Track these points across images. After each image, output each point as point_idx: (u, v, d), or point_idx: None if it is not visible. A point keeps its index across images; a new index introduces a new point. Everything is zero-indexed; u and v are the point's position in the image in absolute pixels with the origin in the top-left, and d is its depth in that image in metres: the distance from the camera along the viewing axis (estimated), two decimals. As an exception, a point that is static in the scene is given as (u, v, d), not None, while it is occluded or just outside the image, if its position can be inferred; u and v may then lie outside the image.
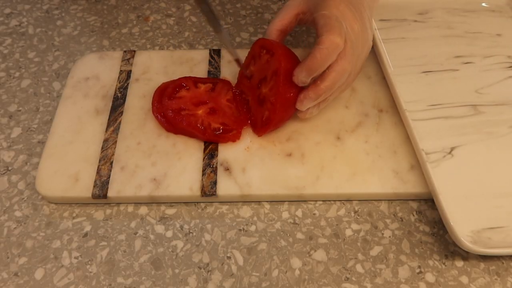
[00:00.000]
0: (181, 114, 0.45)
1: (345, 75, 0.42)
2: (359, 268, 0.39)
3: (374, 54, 0.52)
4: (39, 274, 0.39)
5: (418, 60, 0.51)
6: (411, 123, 0.44)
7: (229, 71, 0.51)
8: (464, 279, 0.39)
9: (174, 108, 0.45)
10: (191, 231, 0.41)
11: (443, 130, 0.44)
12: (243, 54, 0.52)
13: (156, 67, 0.51)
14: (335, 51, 0.40)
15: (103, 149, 0.45)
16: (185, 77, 0.48)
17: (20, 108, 0.50)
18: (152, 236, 0.41)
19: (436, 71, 0.50)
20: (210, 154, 0.44)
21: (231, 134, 0.44)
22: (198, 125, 0.44)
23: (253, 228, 0.41)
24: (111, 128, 0.46)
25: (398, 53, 0.51)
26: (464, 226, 0.38)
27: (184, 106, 0.45)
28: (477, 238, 0.38)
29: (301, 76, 0.41)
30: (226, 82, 0.48)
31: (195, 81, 0.47)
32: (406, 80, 0.48)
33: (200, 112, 0.45)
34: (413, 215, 0.42)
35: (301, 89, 0.43)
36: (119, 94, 0.49)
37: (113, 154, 0.44)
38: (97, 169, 0.43)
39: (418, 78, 0.49)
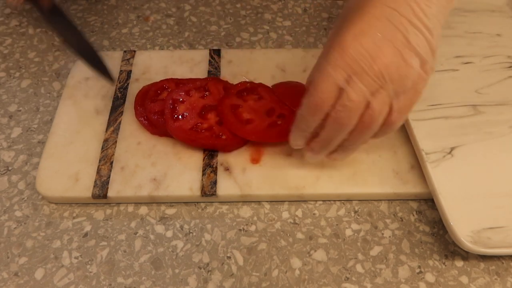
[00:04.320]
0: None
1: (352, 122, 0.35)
2: (359, 268, 0.39)
3: None
4: (39, 274, 0.39)
5: None
6: (411, 123, 0.44)
7: (229, 71, 0.51)
8: (464, 279, 0.39)
9: (157, 110, 0.45)
10: (191, 231, 0.41)
11: (443, 130, 0.44)
12: (242, 54, 0.53)
13: (156, 67, 0.51)
14: (328, 102, 0.34)
15: (103, 149, 0.45)
16: (167, 79, 0.48)
17: (20, 108, 0.50)
18: (152, 236, 0.41)
19: (436, 71, 0.50)
20: (210, 154, 0.44)
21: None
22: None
23: (253, 228, 0.41)
24: (111, 128, 0.46)
25: None
26: (464, 226, 0.38)
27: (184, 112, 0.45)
28: (477, 238, 0.38)
29: (295, 143, 0.39)
30: (214, 81, 0.47)
31: (177, 82, 0.47)
32: None
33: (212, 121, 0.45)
34: (413, 215, 0.42)
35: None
36: (119, 94, 0.49)
37: (113, 154, 0.44)
38: (97, 169, 0.43)
39: None
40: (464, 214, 0.39)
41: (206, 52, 0.53)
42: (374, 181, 0.43)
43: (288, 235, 0.41)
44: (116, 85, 0.50)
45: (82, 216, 0.42)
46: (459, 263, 0.39)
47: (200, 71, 0.51)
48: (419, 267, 0.39)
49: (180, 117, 0.44)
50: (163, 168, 0.43)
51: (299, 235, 0.41)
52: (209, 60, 0.52)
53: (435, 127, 0.45)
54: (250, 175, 0.43)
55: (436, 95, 0.47)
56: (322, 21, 0.59)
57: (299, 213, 0.42)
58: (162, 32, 0.57)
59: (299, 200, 0.43)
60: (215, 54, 0.52)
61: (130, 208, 0.43)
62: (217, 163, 0.44)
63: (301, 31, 0.58)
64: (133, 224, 0.42)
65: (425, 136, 0.43)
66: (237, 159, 0.44)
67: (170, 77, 0.49)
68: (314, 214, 0.42)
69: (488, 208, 0.40)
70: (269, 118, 0.44)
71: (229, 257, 0.40)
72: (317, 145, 0.38)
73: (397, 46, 0.33)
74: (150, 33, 0.57)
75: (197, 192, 0.42)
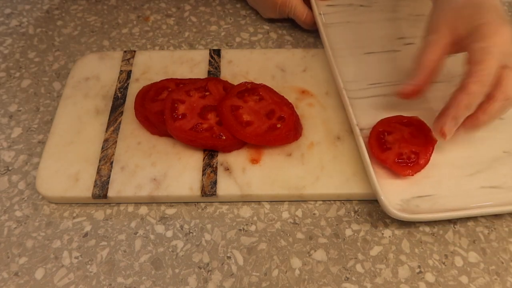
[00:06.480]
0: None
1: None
2: (359, 268, 0.39)
3: None
4: (39, 274, 0.39)
5: (361, 43, 0.52)
6: (347, 101, 0.45)
7: (229, 71, 0.51)
8: (464, 279, 0.39)
9: (157, 111, 0.45)
10: (191, 231, 0.41)
11: (381, 107, 0.46)
12: (242, 53, 0.53)
13: (156, 67, 0.51)
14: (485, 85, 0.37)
15: (103, 149, 0.45)
16: (167, 79, 0.48)
17: (21, 108, 0.50)
18: (152, 236, 0.41)
19: (378, 52, 0.50)
20: (210, 154, 0.44)
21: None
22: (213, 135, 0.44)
23: (253, 228, 0.41)
24: (111, 128, 0.46)
25: (342, 36, 0.52)
26: (394, 196, 0.40)
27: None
28: (405, 206, 0.40)
29: (448, 128, 0.39)
30: (213, 81, 0.47)
31: (177, 82, 0.47)
32: (347, 62, 0.49)
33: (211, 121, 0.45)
34: (413, 215, 0.42)
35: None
36: (119, 94, 0.49)
37: (113, 154, 0.44)
38: (97, 169, 0.43)
39: (359, 59, 0.49)
40: (394, 186, 0.41)
41: (206, 52, 0.53)
42: (374, 181, 0.43)
43: (288, 235, 0.41)
44: (116, 85, 0.50)
45: (82, 216, 0.42)
46: (459, 263, 0.39)
47: (200, 71, 0.51)
48: (419, 267, 0.39)
49: (180, 117, 0.44)
50: (163, 168, 0.43)
51: (299, 235, 0.41)
52: (209, 60, 0.52)
53: (373, 105, 0.46)
54: (250, 175, 0.43)
55: (376, 75, 0.48)
56: (322, 21, 0.59)
57: (299, 213, 0.42)
58: (162, 32, 0.58)
59: (299, 200, 0.43)
60: (215, 54, 0.53)
61: (130, 208, 0.43)
62: (217, 163, 0.44)
63: (301, 31, 0.58)
64: (133, 224, 0.42)
65: (362, 113, 0.45)
66: (237, 159, 0.44)
67: (170, 77, 0.49)
68: (314, 214, 0.42)
69: (417, 179, 0.41)
70: (269, 121, 0.44)
71: (229, 257, 0.40)
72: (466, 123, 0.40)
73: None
74: (150, 33, 0.57)
75: (197, 192, 0.42)
